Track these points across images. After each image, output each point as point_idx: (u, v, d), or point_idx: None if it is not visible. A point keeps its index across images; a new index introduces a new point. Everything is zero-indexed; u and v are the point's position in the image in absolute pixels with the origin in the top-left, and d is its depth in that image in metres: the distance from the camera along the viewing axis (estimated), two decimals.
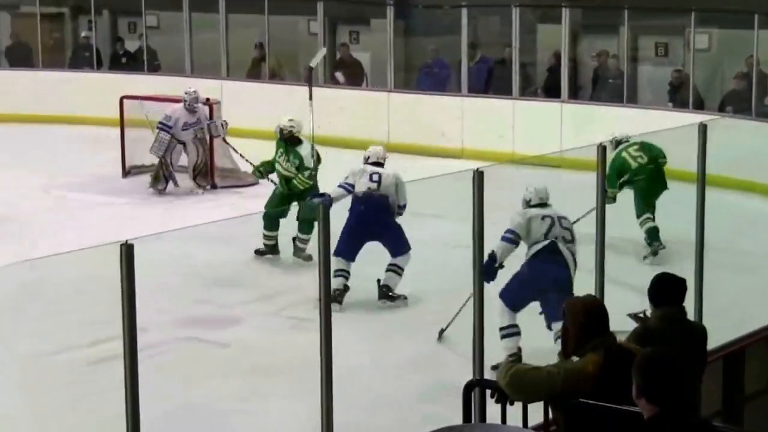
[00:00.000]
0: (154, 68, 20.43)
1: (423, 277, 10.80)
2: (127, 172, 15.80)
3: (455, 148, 16.98)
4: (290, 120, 12.01)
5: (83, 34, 21.76)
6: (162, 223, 12.81)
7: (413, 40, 19.07)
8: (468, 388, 5.31)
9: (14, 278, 9.18)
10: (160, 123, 14.69)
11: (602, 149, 7.07)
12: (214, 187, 15.08)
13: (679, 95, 16.38)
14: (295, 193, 11.78)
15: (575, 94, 17.08)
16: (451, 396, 5.61)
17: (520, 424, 5.04)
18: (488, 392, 5.19)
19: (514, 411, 5.08)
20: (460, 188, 6.93)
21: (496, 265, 8.74)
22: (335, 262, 9.65)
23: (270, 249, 11.68)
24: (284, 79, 19.67)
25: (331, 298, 8.76)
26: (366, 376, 8.47)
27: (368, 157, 10.91)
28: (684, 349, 5.27)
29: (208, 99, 15.46)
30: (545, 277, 8.76)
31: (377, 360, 8.99)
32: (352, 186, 10.60)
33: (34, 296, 9.83)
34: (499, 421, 5.10)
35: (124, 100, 16.16)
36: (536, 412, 5.04)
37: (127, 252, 4.67)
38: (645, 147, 12.09)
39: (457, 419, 5.25)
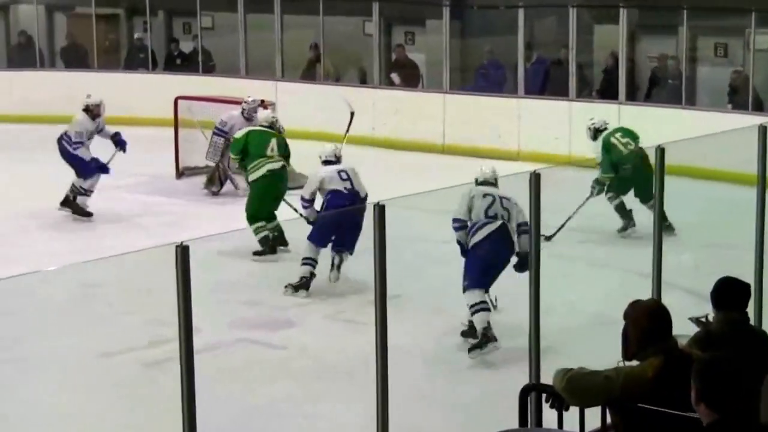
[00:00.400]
0: (209, 69, 20.55)
1: None
2: (180, 173, 15.90)
3: (511, 150, 16.93)
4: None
5: (137, 35, 21.92)
6: (216, 225, 12.88)
7: (469, 41, 19.04)
8: (524, 393, 5.31)
9: (74, 279, 9.29)
10: (216, 128, 14.71)
11: (661, 151, 7.03)
12: None
13: (738, 97, 16.25)
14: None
15: (632, 96, 16.98)
16: (507, 400, 5.61)
17: (577, 429, 5.03)
18: (544, 396, 5.18)
19: (571, 416, 5.07)
20: (516, 190, 6.93)
21: (467, 248, 9.46)
22: (308, 250, 10.64)
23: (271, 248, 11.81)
24: (339, 80, 19.72)
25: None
26: (420, 378, 8.47)
27: (325, 158, 11.32)
28: (746, 355, 5.23)
29: (263, 101, 15.52)
30: (499, 257, 9.42)
31: (432, 363, 9.00)
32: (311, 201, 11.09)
33: (94, 297, 9.93)
34: (555, 425, 5.09)
35: (179, 101, 16.26)
36: (594, 417, 5.03)
37: (183, 253, 4.69)
38: (628, 133, 12.67)
39: (513, 424, 5.26)
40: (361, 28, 19.78)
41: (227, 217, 13.63)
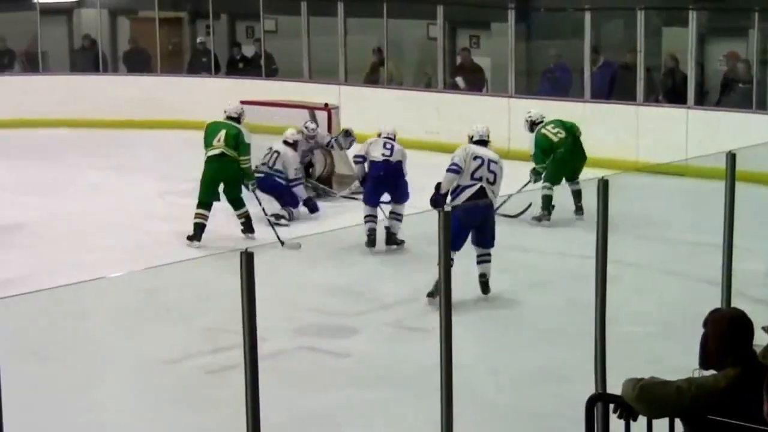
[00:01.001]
0: (271, 73, 20.65)
1: (545, 287, 10.78)
2: None
3: None
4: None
5: (199, 39, 22.06)
6: (282, 231, 12.94)
7: (535, 44, 19.00)
8: (591, 402, 5.29)
9: (137, 285, 9.38)
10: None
11: (731, 157, 6.97)
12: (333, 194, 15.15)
13: None
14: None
15: (701, 100, 16.85)
16: (573, 410, 5.59)
17: None
18: (612, 407, 5.16)
19: (638, 426, 5.05)
20: (583, 196, 6.89)
21: (442, 193, 10.62)
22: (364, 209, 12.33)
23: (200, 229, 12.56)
24: (402, 84, 19.74)
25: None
26: (484, 387, 8.46)
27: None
28: None
29: (326, 104, 15.58)
30: (476, 217, 10.56)
31: (496, 371, 8.99)
32: (363, 158, 12.74)
33: (157, 303, 10.02)
34: None
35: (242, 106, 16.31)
36: (662, 428, 5.01)
37: (248, 260, 4.73)
38: (560, 123, 13.94)
39: None
40: (426, 31, 19.79)
41: (291, 223, 13.68)
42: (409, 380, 8.39)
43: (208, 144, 12.78)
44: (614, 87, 17.56)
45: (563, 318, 9.50)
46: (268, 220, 12.80)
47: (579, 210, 13.24)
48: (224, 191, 12.73)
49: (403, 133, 18.25)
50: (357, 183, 13.64)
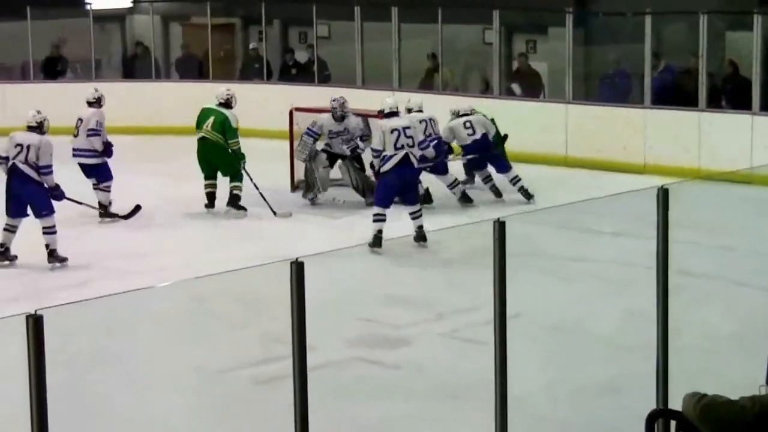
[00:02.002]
0: (324, 79, 20.66)
1: (603, 298, 10.69)
2: (296, 186, 15.98)
3: (637, 163, 16.74)
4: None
5: (251, 45, 22.16)
6: (331, 239, 12.96)
7: (593, 49, 18.90)
8: (651, 419, 5.21)
9: (186, 293, 9.40)
10: (308, 128, 15.29)
11: None
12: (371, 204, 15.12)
13: None
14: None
15: (767, 106, 16.64)
16: (632, 426, 5.51)
17: None
18: (672, 423, 5.08)
19: None
20: (642, 206, 6.82)
21: (375, 171, 13.17)
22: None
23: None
24: (457, 89, 19.69)
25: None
26: (540, 400, 8.39)
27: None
28: None
29: (379, 111, 15.54)
30: (404, 179, 12.89)
31: (552, 383, 8.91)
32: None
33: (206, 312, 10.04)
34: None
35: (294, 112, 16.37)
36: None
37: (298, 270, 4.71)
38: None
39: None
40: (481, 36, 19.74)
41: (341, 232, 13.70)
42: (463, 392, 8.34)
43: (198, 127, 14.85)
44: (676, 93, 17.39)
45: (623, 329, 9.40)
46: (260, 194, 14.42)
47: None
48: (219, 170, 14.78)
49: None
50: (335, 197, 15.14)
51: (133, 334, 9.49)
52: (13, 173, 12.41)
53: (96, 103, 14.78)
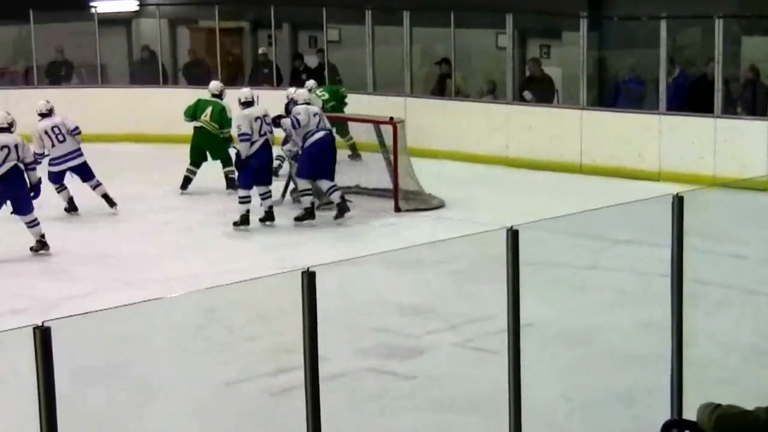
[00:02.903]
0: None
1: (618, 307, 10.73)
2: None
3: (652, 170, 16.77)
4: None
5: (261, 50, 22.15)
6: (344, 248, 13.00)
7: (608, 54, 18.92)
8: (666, 429, 5.26)
9: (198, 304, 9.46)
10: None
11: None
12: (397, 210, 15.17)
13: None
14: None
15: None
16: None
17: None
18: None
19: None
20: (657, 213, 6.87)
21: (243, 158, 14.62)
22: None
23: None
24: (470, 95, 19.73)
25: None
26: (554, 411, 8.44)
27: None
28: None
29: (391, 118, 15.61)
30: (263, 159, 14.57)
31: (567, 394, 8.96)
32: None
33: (218, 323, 10.09)
34: None
35: None
36: None
37: (309, 280, 4.77)
38: (329, 89, 18.26)
39: None
40: (494, 41, 19.76)
41: (354, 241, 13.74)
42: (477, 403, 8.39)
43: (189, 115, 16.57)
44: (691, 98, 17.41)
45: (637, 338, 9.45)
46: (289, 175, 15.76)
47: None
48: (210, 156, 16.48)
49: (471, 147, 18.41)
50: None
51: (144, 345, 9.55)
52: (13, 173, 13.18)
53: (49, 114, 15.05)
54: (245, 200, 14.32)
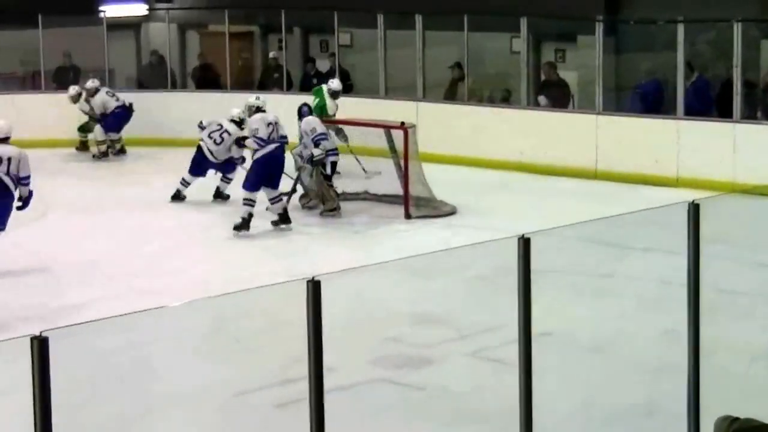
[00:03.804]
0: (347, 89, 20.62)
1: (635, 316, 10.67)
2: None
3: (669, 176, 16.70)
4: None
5: (271, 54, 22.15)
6: (352, 257, 12.97)
7: (624, 58, 18.85)
8: None
9: (203, 313, 9.42)
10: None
11: None
12: (408, 217, 15.12)
13: None
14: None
15: None
16: None
17: None
18: None
19: None
20: (675, 220, 6.82)
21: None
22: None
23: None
24: (483, 100, 19.68)
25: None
26: (568, 423, 8.38)
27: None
28: None
29: (402, 123, 15.56)
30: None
31: (581, 405, 8.90)
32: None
33: (225, 331, 10.05)
34: None
35: None
36: None
37: (314, 289, 4.73)
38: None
39: None
40: (509, 44, 19.72)
41: (363, 249, 13.71)
42: (489, 415, 8.33)
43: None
44: (709, 103, 17.34)
45: (658, 348, 9.38)
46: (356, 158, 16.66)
47: None
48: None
49: (484, 152, 18.36)
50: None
51: (149, 355, 9.52)
52: None
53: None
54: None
